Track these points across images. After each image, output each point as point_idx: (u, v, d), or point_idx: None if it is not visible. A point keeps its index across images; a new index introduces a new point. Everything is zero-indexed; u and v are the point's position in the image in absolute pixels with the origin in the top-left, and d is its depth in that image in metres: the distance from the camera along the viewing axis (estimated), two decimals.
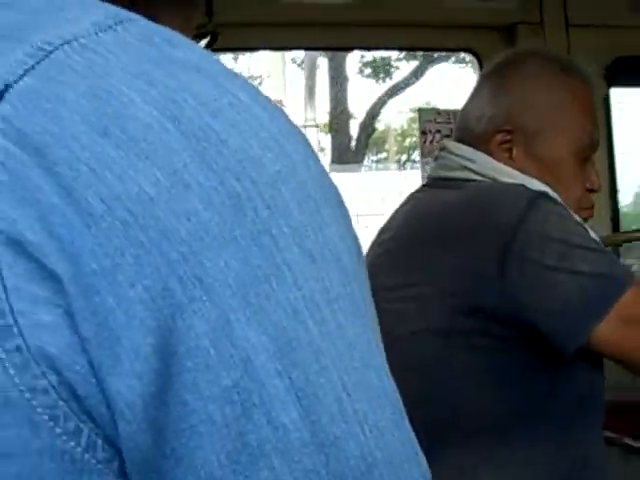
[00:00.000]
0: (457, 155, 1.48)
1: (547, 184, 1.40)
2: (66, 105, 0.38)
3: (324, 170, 0.42)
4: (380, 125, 14.20)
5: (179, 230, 0.37)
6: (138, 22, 0.42)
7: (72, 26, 0.40)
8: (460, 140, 1.52)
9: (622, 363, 1.33)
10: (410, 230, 1.44)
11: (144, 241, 0.37)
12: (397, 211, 1.57)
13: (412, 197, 1.55)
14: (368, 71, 13.71)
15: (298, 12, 2.31)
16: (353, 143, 11.50)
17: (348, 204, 0.43)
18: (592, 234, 1.36)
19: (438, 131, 2.41)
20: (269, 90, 12.81)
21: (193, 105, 0.38)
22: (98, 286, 0.36)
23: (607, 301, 1.26)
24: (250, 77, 14.14)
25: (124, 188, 0.37)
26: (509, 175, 1.43)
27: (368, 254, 1.55)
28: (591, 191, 1.52)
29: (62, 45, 0.39)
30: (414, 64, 12.15)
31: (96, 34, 0.40)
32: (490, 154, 1.46)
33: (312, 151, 0.42)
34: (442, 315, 1.31)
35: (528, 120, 1.47)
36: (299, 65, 13.01)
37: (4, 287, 0.37)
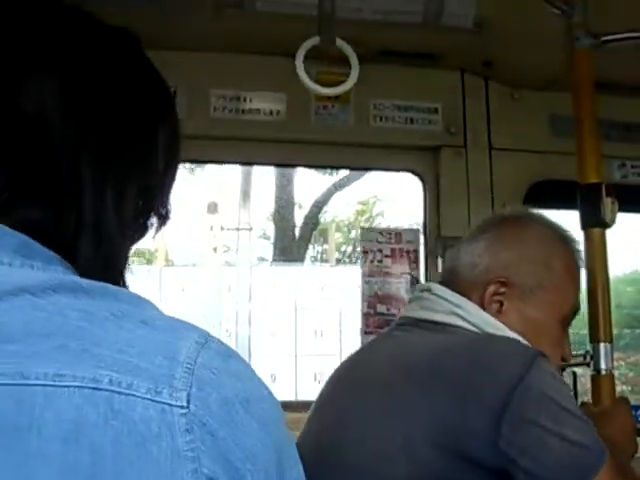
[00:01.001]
0: (445, 299, 1.49)
1: (530, 344, 1.41)
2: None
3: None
4: (328, 216, 14.34)
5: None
6: (213, 340, 0.67)
7: (190, 346, 0.64)
8: (446, 283, 1.54)
9: None
10: (400, 373, 1.39)
11: None
12: (374, 347, 1.56)
13: (391, 335, 1.54)
14: None
15: (233, 127, 2.37)
16: (297, 233, 11.59)
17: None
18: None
19: (379, 250, 2.43)
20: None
21: (257, 406, 0.66)
22: None
23: (589, 474, 1.26)
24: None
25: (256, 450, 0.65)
26: (496, 328, 1.44)
27: (333, 381, 1.54)
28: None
29: (200, 366, 0.63)
30: None
31: (200, 351, 0.64)
32: (479, 303, 1.48)
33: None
34: (431, 463, 1.28)
35: (525, 277, 1.50)
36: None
37: None
